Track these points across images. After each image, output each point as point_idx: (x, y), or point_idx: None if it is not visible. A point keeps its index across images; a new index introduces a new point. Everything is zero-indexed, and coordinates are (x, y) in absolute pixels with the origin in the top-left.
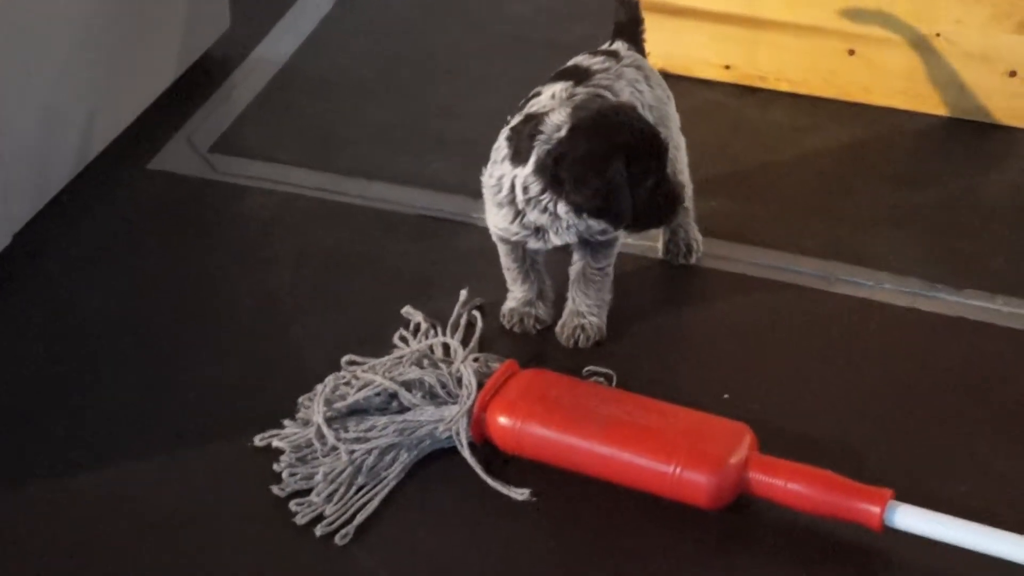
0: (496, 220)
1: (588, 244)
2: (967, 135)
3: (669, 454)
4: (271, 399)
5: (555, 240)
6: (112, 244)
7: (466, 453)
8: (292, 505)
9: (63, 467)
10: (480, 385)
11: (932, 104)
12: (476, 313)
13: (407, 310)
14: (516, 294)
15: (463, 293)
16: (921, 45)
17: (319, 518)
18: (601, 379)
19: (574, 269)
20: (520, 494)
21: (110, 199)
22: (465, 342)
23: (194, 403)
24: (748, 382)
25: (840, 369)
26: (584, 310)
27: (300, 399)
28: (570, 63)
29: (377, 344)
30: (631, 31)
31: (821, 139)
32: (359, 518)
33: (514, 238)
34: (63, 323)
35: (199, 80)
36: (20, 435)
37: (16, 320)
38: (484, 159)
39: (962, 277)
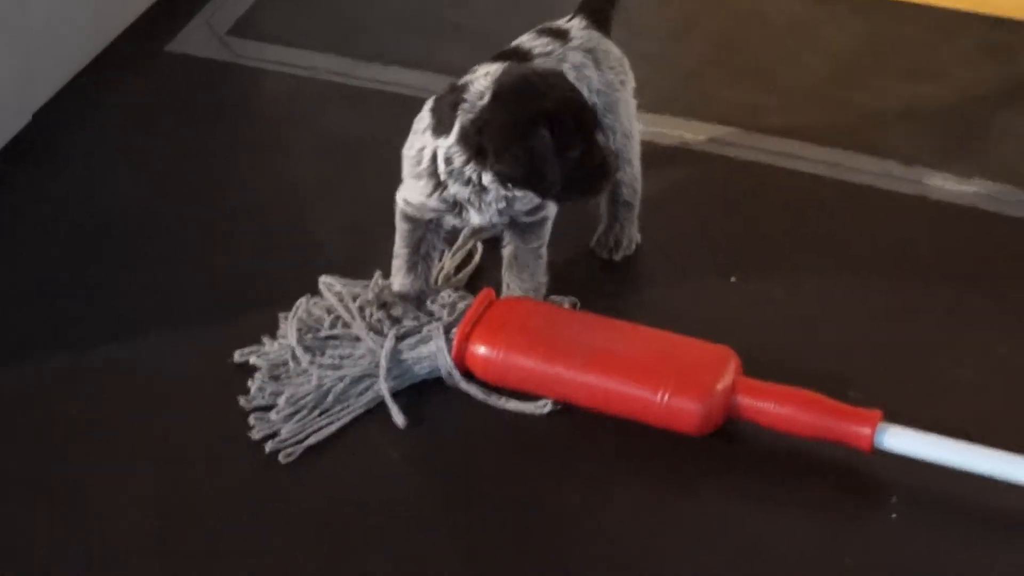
0: (412, 194)
1: (516, 225)
2: (982, 29)
3: (656, 382)
4: (279, 287)
5: (474, 218)
6: (129, 125)
7: (463, 384)
8: (251, 419)
9: (74, 341)
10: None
11: None
12: (479, 244)
13: None
14: (397, 283)
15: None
16: None
17: (274, 435)
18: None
19: (507, 252)
20: (542, 407)
21: (129, 80)
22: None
23: (201, 288)
24: (751, 268)
25: (841, 260)
26: (520, 296)
27: (280, 315)
28: (513, 43)
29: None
30: (598, 7)
31: (835, 31)
32: (311, 440)
33: (429, 215)
34: (79, 202)
35: None
36: (34, 310)
37: (33, 198)
38: (495, 46)
39: (970, 165)
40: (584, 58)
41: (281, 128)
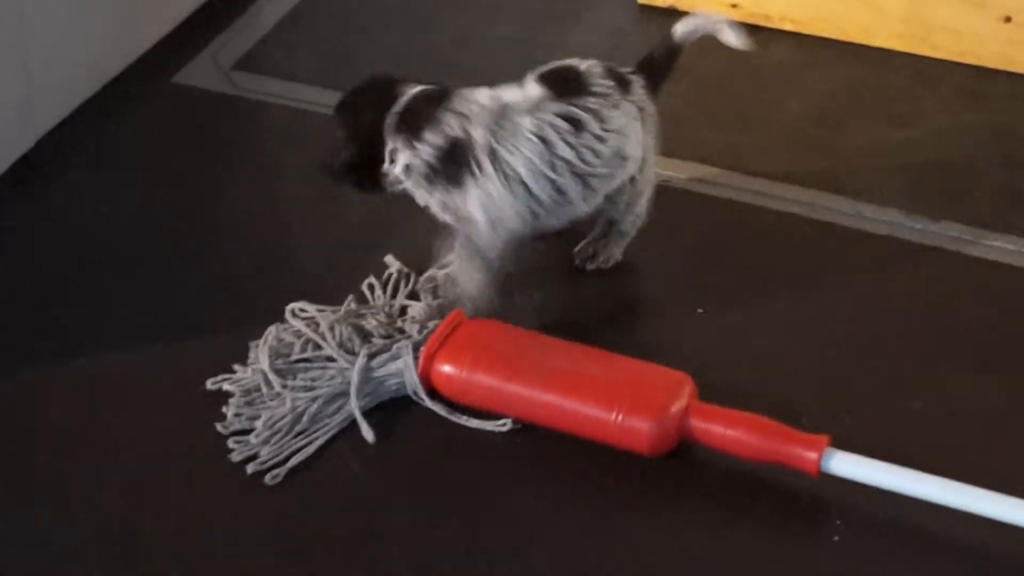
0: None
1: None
2: (960, 78)
3: (611, 402)
4: (259, 303)
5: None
6: (131, 152)
7: (428, 401)
8: (231, 442)
9: (61, 352)
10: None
11: (928, 47)
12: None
13: (388, 258)
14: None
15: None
16: None
17: (254, 457)
18: None
19: None
20: (501, 425)
21: (133, 110)
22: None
23: (186, 303)
24: (719, 300)
25: (808, 295)
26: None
27: (251, 343)
28: (570, 63)
29: (375, 251)
30: (657, 72)
31: (819, 77)
32: (292, 461)
33: None
34: (76, 224)
35: (229, 2)
36: (28, 323)
37: (33, 219)
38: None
39: (942, 209)
40: (637, 115)
41: (276, 157)
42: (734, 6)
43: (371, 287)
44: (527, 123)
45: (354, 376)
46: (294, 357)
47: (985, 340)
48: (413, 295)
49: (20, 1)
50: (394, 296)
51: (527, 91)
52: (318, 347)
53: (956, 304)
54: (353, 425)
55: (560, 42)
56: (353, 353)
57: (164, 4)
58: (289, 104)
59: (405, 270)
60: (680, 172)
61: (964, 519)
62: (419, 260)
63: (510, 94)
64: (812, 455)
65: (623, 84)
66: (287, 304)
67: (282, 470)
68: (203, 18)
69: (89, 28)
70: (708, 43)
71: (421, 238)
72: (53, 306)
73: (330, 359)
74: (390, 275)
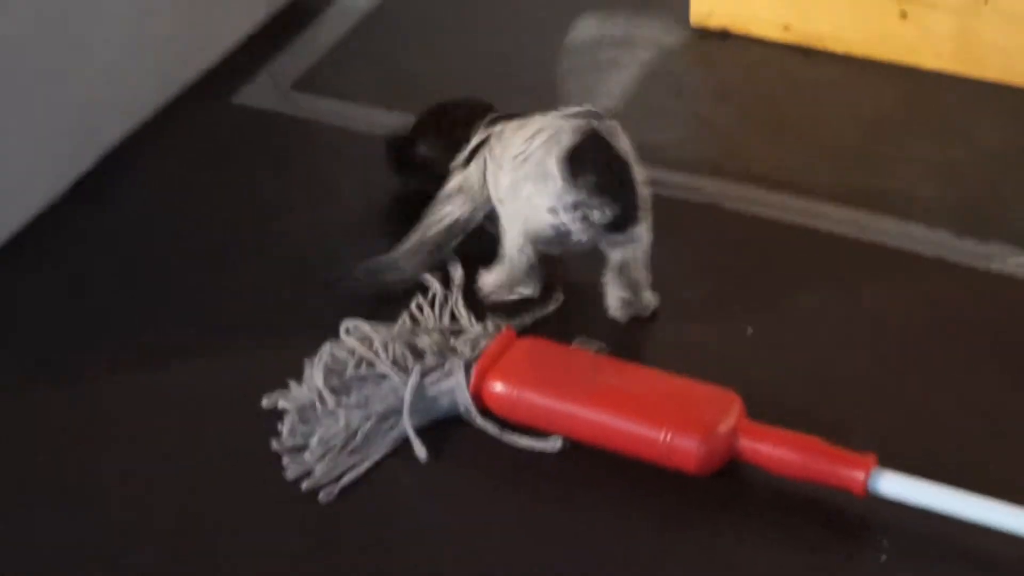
0: None
1: None
2: (1010, 99)
3: (660, 421)
4: (314, 320)
5: None
6: (189, 170)
7: (479, 420)
8: (285, 459)
9: (116, 367)
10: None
11: (979, 68)
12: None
13: (427, 277)
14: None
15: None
16: (970, 10)
17: (308, 474)
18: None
19: None
20: (551, 444)
21: (192, 129)
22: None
23: (241, 320)
24: (768, 319)
25: (857, 316)
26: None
27: (306, 360)
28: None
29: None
30: None
31: (869, 97)
32: (346, 478)
33: None
34: (136, 240)
35: (288, 22)
36: (84, 336)
37: (93, 235)
38: (554, 101)
39: (991, 230)
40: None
41: (333, 177)
42: (786, 27)
43: (419, 307)
44: None
45: (407, 394)
46: (348, 374)
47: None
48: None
49: (82, 21)
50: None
51: None
52: (372, 365)
53: (1006, 325)
54: (406, 443)
55: (612, 63)
56: (406, 371)
57: (223, 24)
58: (347, 124)
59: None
60: (729, 192)
61: (1013, 540)
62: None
63: None
64: (859, 475)
65: None
66: (342, 322)
67: (335, 487)
68: (262, 38)
69: (150, 48)
70: (756, 63)
71: (472, 257)
72: (110, 321)
73: (384, 377)
74: (434, 294)
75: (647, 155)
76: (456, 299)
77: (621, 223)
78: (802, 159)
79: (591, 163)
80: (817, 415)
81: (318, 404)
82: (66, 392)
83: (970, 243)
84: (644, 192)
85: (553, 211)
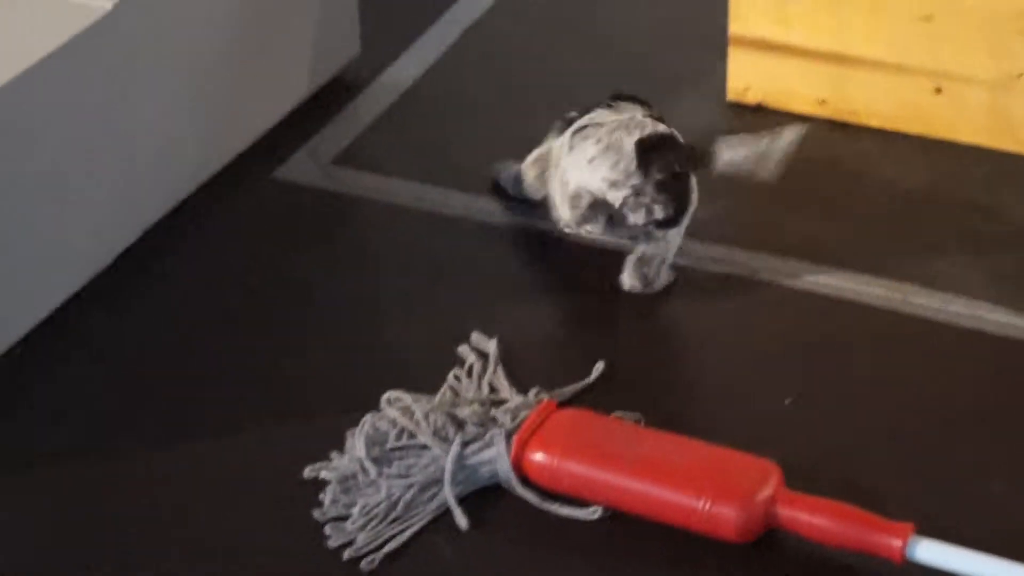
0: None
1: None
2: None
3: (699, 490)
4: (356, 392)
5: None
6: (231, 245)
7: (519, 489)
8: (327, 528)
9: (159, 438)
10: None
11: (1014, 142)
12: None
13: (463, 350)
14: None
15: None
16: (1004, 85)
17: (350, 543)
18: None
19: None
20: (591, 513)
21: (234, 205)
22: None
23: (284, 393)
24: (804, 390)
25: (892, 385)
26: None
27: (348, 431)
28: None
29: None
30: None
31: (905, 170)
32: (388, 547)
33: None
34: (178, 314)
35: (328, 100)
36: (129, 409)
37: (135, 309)
38: None
39: None
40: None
41: (373, 250)
42: (822, 102)
43: (457, 378)
44: None
45: (448, 464)
46: (389, 445)
47: None
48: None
49: (128, 97)
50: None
51: None
52: (413, 435)
53: None
54: (447, 512)
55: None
56: (447, 441)
57: (265, 101)
58: (385, 199)
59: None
60: (765, 264)
61: None
62: (507, 348)
63: None
64: (897, 542)
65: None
66: (383, 393)
67: (377, 556)
68: (302, 115)
69: (193, 124)
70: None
71: (511, 328)
72: (152, 393)
73: (425, 447)
74: (471, 365)
75: (686, 230)
76: (495, 370)
77: (668, 223)
78: (838, 232)
79: (665, 159)
80: (855, 485)
81: (360, 474)
82: (114, 467)
83: (1006, 314)
84: (694, 200)
85: (613, 184)
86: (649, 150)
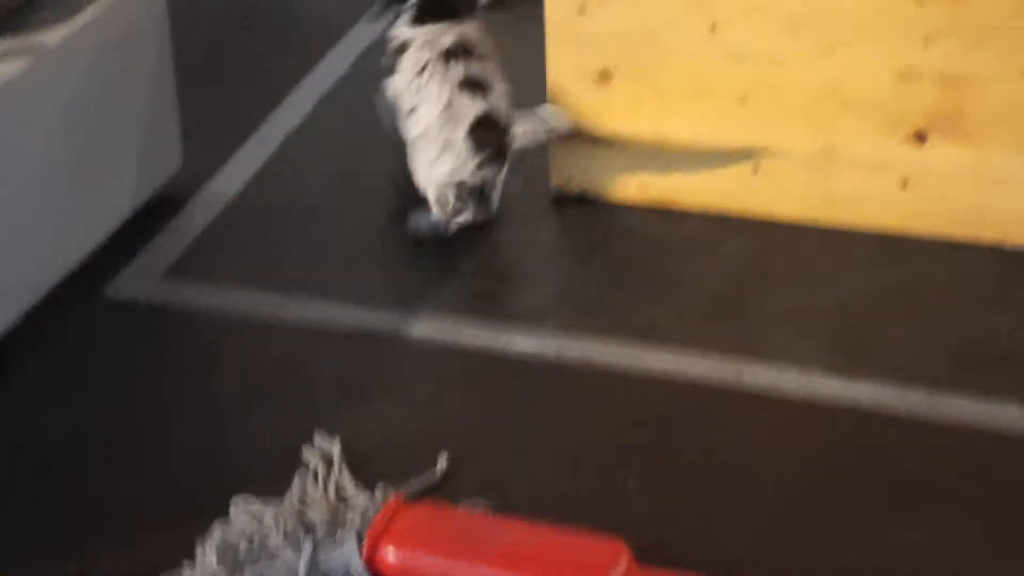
0: None
1: None
2: (869, 242)
3: (552, 574)
4: (204, 500)
5: None
6: (67, 366)
7: None
8: None
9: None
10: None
11: (832, 216)
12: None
13: (307, 452)
14: None
15: None
16: (819, 160)
17: None
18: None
19: None
20: None
21: (66, 324)
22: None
23: (132, 506)
24: (646, 470)
25: (736, 460)
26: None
27: (198, 540)
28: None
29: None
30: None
31: (731, 249)
32: None
33: None
34: (17, 438)
35: (155, 213)
36: None
37: None
38: (414, 278)
39: (859, 368)
40: None
41: (210, 361)
42: (644, 188)
43: (303, 480)
44: None
45: (301, 568)
46: (241, 551)
47: (905, 493)
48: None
49: None
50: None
51: None
52: (264, 541)
53: (879, 459)
54: None
55: (469, 232)
56: (299, 545)
57: (90, 218)
58: (220, 309)
59: (323, 463)
60: (601, 350)
61: None
62: (351, 447)
63: None
64: None
65: None
66: (230, 499)
67: None
68: (131, 229)
69: (14, 245)
70: (616, 224)
71: (353, 428)
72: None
73: (277, 552)
74: (315, 466)
75: (517, 323)
76: (340, 470)
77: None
78: (669, 313)
79: (487, 136)
80: (704, 554)
81: None
82: None
83: (838, 383)
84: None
85: (461, 170)
86: (475, 136)
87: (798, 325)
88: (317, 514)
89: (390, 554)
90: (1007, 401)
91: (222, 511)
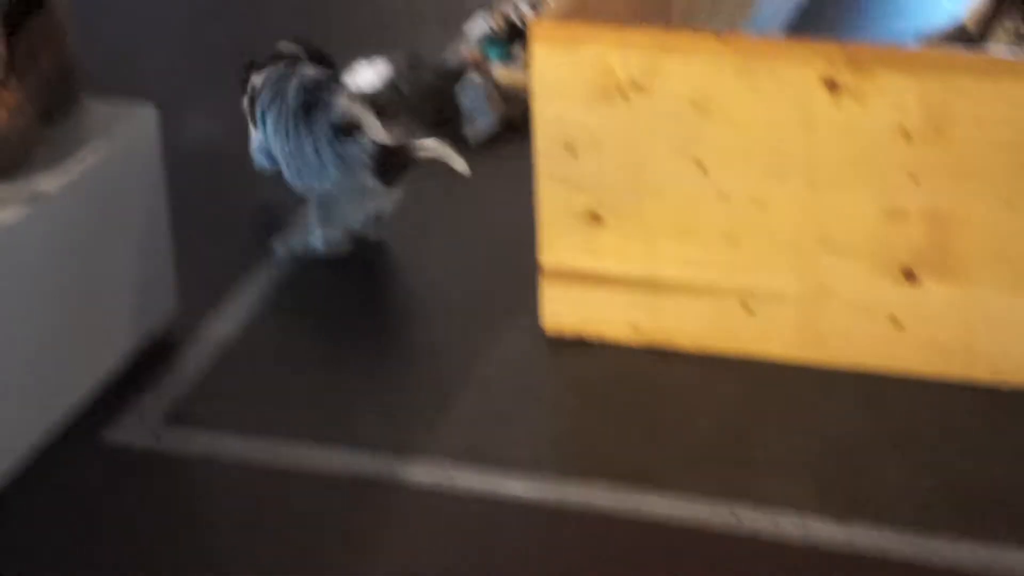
0: None
1: None
2: (856, 383)
3: None
4: None
5: None
6: (62, 517)
7: None
8: None
9: None
10: None
11: (823, 354)
12: None
13: None
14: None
15: None
16: (809, 299)
17: None
18: None
19: None
20: None
21: (64, 472)
22: None
23: None
24: None
25: None
26: None
27: None
28: None
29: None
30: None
31: (723, 391)
32: None
33: None
34: None
35: (150, 359)
36: None
37: None
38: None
39: (854, 512)
40: None
41: (209, 510)
42: (635, 329)
43: None
44: None
45: None
46: None
47: None
48: None
49: None
50: None
51: None
52: None
53: None
54: None
55: (464, 377)
56: None
57: (85, 364)
58: (218, 456)
59: None
60: (594, 492)
61: None
62: None
63: None
64: None
65: None
66: None
67: None
68: (128, 375)
69: (11, 391)
70: (611, 366)
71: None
72: None
73: None
74: None
75: (511, 466)
76: None
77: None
78: (663, 456)
79: (397, 164)
80: None
81: None
82: None
83: (835, 528)
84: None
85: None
86: (384, 168)
87: (791, 468)
88: None
89: None
90: (1007, 546)
91: None
